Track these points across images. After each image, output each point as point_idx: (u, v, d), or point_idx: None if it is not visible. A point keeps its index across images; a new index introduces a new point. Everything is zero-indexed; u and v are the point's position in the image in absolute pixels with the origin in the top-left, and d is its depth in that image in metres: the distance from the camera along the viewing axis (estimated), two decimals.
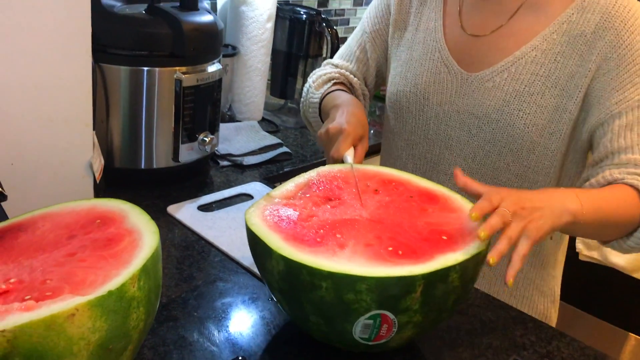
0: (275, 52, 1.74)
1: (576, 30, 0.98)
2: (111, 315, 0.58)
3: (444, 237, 0.76)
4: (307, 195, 0.86)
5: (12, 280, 0.62)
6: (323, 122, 1.12)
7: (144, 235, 0.68)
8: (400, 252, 0.72)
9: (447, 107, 1.07)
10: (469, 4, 1.08)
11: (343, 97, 1.08)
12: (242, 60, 1.62)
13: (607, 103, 0.96)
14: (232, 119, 1.67)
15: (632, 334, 2.01)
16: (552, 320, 1.20)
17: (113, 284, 0.59)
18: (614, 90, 0.96)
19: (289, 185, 0.88)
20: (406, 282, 0.68)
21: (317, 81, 1.17)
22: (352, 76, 1.18)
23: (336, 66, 1.22)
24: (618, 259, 1.90)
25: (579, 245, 1.97)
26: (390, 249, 0.73)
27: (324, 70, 1.20)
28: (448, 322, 0.91)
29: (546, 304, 1.17)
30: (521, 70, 1.01)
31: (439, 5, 1.10)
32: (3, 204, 0.83)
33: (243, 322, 0.87)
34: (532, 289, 1.15)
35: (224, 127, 1.52)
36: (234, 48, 1.61)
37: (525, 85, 1.01)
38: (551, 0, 1.01)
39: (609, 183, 0.94)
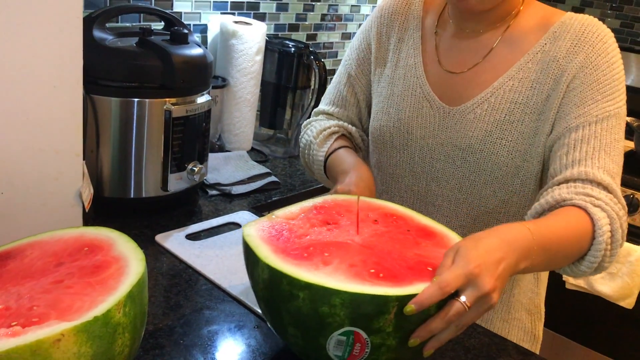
0: (264, 84, 1.77)
1: (549, 57, 1.02)
2: (97, 341, 0.59)
3: (429, 269, 0.77)
4: (306, 217, 0.89)
5: (0, 306, 0.63)
6: (328, 178, 1.17)
7: (131, 262, 0.70)
8: (381, 275, 0.74)
9: (431, 140, 1.09)
10: (446, 42, 1.11)
11: (349, 160, 1.10)
12: (231, 91, 1.65)
13: (567, 118, 0.99)
14: (221, 148, 1.69)
15: None
16: (539, 337, 1.22)
17: (99, 309, 0.60)
18: (575, 106, 0.98)
19: (294, 208, 0.91)
20: (379, 302, 0.70)
21: (318, 137, 1.18)
22: (349, 126, 1.20)
23: (330, 115, 1.24)
24: (604, 287, 1.92)
25: (565, 276, 1.99)
26: (372, 271, 0.75)
27: (322, 124, 1.21)
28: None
29: (534, 321, 1.19)
30: (500, 100, 1.04)
31: (417, 42, 1.13)
32: None
33: (229, 350, 0.88)
34: (521, 310, 1.17)
35: (213, 157, 1.54)
36: (223, 80, 1.64)
37: (505, 114, 1.03)
38: (525, 34, 1.05)
39: (558, 203, 0.94)
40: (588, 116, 0.98)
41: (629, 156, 2.12)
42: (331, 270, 0.74)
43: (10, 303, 0.64)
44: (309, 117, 1.24)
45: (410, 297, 0.70)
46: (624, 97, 1.01)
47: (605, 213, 0.91)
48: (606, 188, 0.94)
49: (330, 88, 1.27)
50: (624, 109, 1.01)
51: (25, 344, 0.55)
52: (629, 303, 1.90)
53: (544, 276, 1.23)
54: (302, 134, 1.25)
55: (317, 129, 1.20)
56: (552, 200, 0.94)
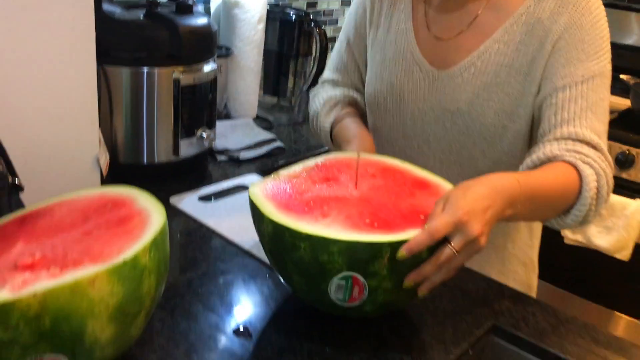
0: (266, 53, 1.82)
1: (534, 18, 1.05)
2: (127, 282, 0.66)
3: (422, 217, 0.84)
4: (308, 175, 0.95)
5: (37, 255, 0.70)
6: (333, 147, 1.23)
7: (152, 214, 0.76)
8: (375, 224, 0.81)
9: (422, 103, 1.14)
10: (435, 9, 1.15)
11: (352, 130, 1.15)
12: (235, 60, 1.70)
13: (554, 78, 1.03)
14: (227, 116, 1.75)
15: (617, 312, 2.10)
16: (533, 287, 1.29)
17: (127, 254, 0.67)
18: (561, 67, 1.02)
19: (297, 167, 0.97)
20: (373, 248, 0.76)
21: (324, 107, 1.24)
22: (353, 93, 1.26)
23: (335, 83, 1.29)
24: (601, 241, 1.98)
25: (564, 230, 2.06)
26: (368, 221, 0.82)
27: (328, 93, 1.26)
28: (431, 292, 0.99)
29: (528, 273, 1.26)
30: (486, 63, 1.08)
31: (408, 8, 1.17)
32: (20, 195, 0.91)
33: (243, 296, 0.95)
34: (516, 263, 1.23)
35: (220, 124, 1.60)
36: (227, 49, 1.69)
37: (492, 77, 1.08)
38: None
39: (549, 159, 0.99)
40: (574, 76, 1.02)
41: (625, 113, 2.17)
42: (329, 222, 0.81)
43: (47, 252, 0.71)
44: (311, 84, 1.29)
45: (401, 243, 0.77)
46: (608, 55, 1.06)
47: (593, 170, 0.97)
48: (594, 147, 1.00)
49: (333, 55, 1.32)
50: (608, 67, 1.05)
51: (65, 284, 0.61)
52: (625, 255, 1.97)
53: (538, 231, 1.29)
54: (310, 103, 1.31)
55: (324, 99, 1.26)
56: (544, 156, 1.00)
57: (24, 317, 0.60)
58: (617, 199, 1.95)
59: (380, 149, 1.24)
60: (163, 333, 0.84)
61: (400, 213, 0.84)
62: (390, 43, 1.19)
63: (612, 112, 2.16)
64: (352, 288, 0.79)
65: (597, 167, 0.97)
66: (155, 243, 0.70)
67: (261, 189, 0.90)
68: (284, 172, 0.96)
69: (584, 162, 0.97)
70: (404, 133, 1.18)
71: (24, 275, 0.64)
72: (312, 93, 1.32)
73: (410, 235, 0.78)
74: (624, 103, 2.19)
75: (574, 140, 1.00)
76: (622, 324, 2.10)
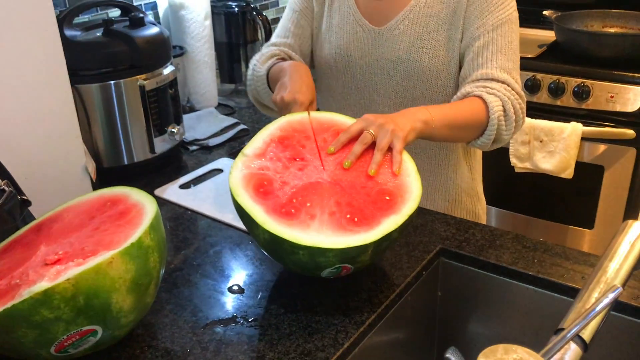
0: (218, 45, 1.97)
1: None
2: (136, 260, 0.83)
3: (387, 198, 0.97)
4: (275, 156, 1.03)
5: (60, 252, 0.87)
6: (271, 90, 1.33)
7: (146, 205, 0.93)
8: (356, 220, 0.93)
9: (367, 58, 1.33)
10: None
11: (287, 63, 1.29)
12: (190, 57, 1.85)
13: (471, 29, 1.23)
14: (192, 109, 1.91)
15: (571, 226, 2.32)
16: (481, 216, 1.49)
17: (133, 238, 0.84)
18: (476, 18, 1.23)
19: (257, 141, 1.06)
20: (361, 249, 0.90)
21: (260, 59, 1.37)
22: (291, 51, 1.39)
23: (277, 45, 1.42)
24: (546, 164, 2.19)
25: (513, 160, 2.26)
26: (348, 216, 0.94)
27: (264, 50, 1.40)
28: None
29: (473, 203, 1.46)
30: (417, 15, 1.27)
31: None
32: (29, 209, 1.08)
33: (232, 261, 1.13)
34: (461, 193, 1.43)
35: (187, 118, 1.76)
36: (181, 48, 1.84)
37: (423, 27, 1.27)
38: None
39: (463, 96, 1.20)
40: (486, 26, 1.22)
41: (552, 46, 2.36)
42: (318, 226, 0.91)
43: (67, 249, 0.87)
44: None
45: (382, 238, 0.91)
46: (513, 3, 1.25)
47: (497, 97, 1.18)
48: (502, 82, 1.20)
49: (278, 26, 1.46)
50: (515, 14, 1.25)
51: (89, 267, 0.78)
52: (568, 174, 2.18)
53: (478, 166, 1.48)
54: (249, 68, 1.40)
55: (261, 54, 1.39)
56: (460, 95, 1.21)
57: (63, 299, 0.77)
58: (555, 125, 2.16)
59: (337, 105, 1.42)
60: (170, 301, 1.02)
61: (370, 198, 0.97)
62: (334, 11, 1.36)
63: (540, 45, 2.37)
64: (341, 271, 0.96)
65: (501, 95, 1.18)
66: (153, 226, 0.88)
67: (244, 188, 0.96)
68: (249, 151, 1.04)
69: (489, 93, 1.18)
70: (355, 86, 1.37)
71: (55, 268, 0.81)
72: (251, 61, 1.42)
73: (389, 227, 0.92)
74: (550, 36, 2.38)
75: (484, 79, 1.21)
76: (577, 235, 2.33)
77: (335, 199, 0.97)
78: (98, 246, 0.85)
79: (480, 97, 1.18)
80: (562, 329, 0.58)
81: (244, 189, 0.97)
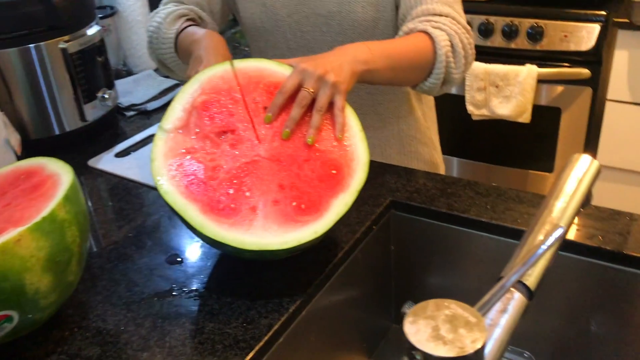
0: (152, 2, 1.85)
1: None
2: (50, 235, 0.75)
3: (334, 172, 0.89)
4: (202, 131, 0.89)
5: None
6: (179, 57, 1.21)
7: (62, 175, 0.84)
8: (303, 207, 0.85)
9: (296, 15, 1.23)
10: None
11: (200, 31, 1.15)
12: (122, 17, 1.74)
13: None
14: (129, 73, 1.80)
15: (531, 171, 2.30)
16: (440, 165, 1.44)
17: (45, 212, 0.76)
18: None
19: (177, 111, 0.91)
20: (312, 241, 0.84)
21: (167, 18, 1.20)
22: (199, 10, 1.25)
23: (181, 2, 1.26)
24: (503, 110, 2.15)
25: (470, 108, 2.21)
26: (294, 204, 0.85)
27: (171, 8, 1.23)
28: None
29: (430, 152, 1.40)
30: None
31: None
32: None
33: (171, 230, 1.05)
34: (415, 143, 1.37)
35: (123, 82, 1.65)
36: (112, 8, 1.72)
37: None
38: None
39: (405, 34, 1.11)
40: None
41: None
42: (263, 222, 0.82)
43: None
44: None
45: (331, 227, 0.85)
46: None
47: (444, 32, 1.08)
48: (447, 16, 1.11)
49: None
50: None
51: None
52: (525, 118, 2.14)
53: (431, 113, 1.42)
54: (149, 23, 1.25)
55: (165, 13, 1.21)
56: (402, 33, 1.12)
57: None
58: (510, 68, 2.11)
59: None
60: (103, 277, 0.95)
61: (315, 174, 0.88)
62: None
63: None
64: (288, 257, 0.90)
65: (448, 29, 1.09)
66: (68, 198, 0.79)
67: (171, 183, 0.85)
68: (169, 125, 0.90)
69: (434, 27, 1.09)
70: (287, 47, 1.27)
71: None
72: (151, 15, 1.26)
73: (338, 213, 0.85)
74: None
75: (426, 15, 1.11)
76: (538, 180, 2.31)
77: (278, 182, 0.87)
78: (6, 224, 0.77)
79: (425, 31, 1.09)
80: (502, 277, 0.53)
81: (171, 183, 0.85)
